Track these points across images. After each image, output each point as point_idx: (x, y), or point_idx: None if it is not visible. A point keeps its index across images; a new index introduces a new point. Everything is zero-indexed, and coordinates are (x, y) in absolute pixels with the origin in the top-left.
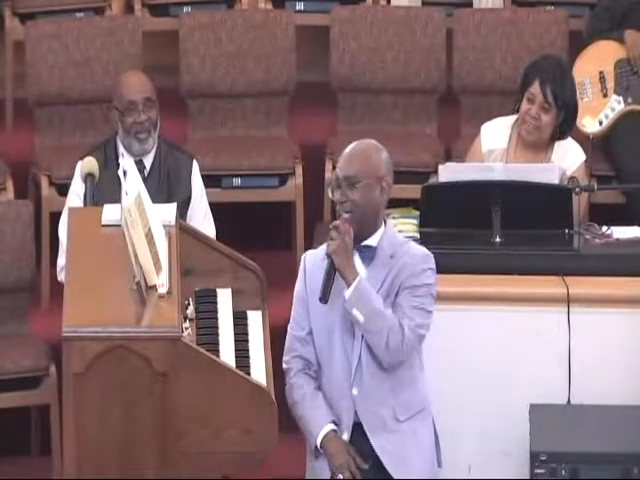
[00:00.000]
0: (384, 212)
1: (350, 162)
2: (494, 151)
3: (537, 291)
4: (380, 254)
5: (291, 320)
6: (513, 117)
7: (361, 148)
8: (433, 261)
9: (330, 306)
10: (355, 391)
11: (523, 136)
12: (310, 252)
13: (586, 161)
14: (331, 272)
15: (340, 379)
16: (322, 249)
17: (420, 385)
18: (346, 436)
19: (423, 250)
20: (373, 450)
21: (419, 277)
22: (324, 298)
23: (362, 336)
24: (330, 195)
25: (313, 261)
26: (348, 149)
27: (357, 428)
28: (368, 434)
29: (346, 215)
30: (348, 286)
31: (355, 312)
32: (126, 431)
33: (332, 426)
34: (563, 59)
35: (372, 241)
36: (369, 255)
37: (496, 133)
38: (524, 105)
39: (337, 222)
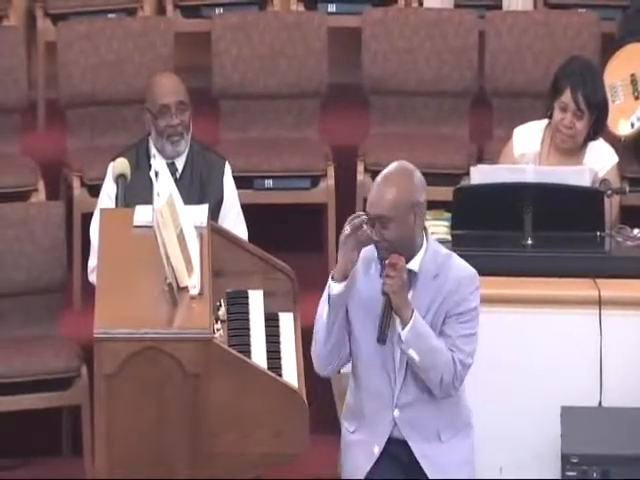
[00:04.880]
0: (423, 227)
1: (380, 200)
2: (526, 155)
3: (568, 293)
4: (423, 277)
5: None
6: (545, 121)
7: (390, 181)
8: (478, 279)
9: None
10: (397, 413)
11: (558, 144)
12: None
13: (618, 163)
14: (388, 311)
15: (380, 397)
16: (365, 249)
17: (463, 402)
18: (377, 450)
19: (468, 270)
20: (410, 461)
21: (466, 302)
22: (382, 338)
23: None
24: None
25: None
26: (378, 181)
27: (394, 443)
28: (411, 447)
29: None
30: (404, 325)
31: (411, 352)
32: (157, 432)
33: None
34: (591, 60)
35: (413, 264)
36: (411, 279)
37: (528, 137)
38: (557, 114)
39: (392, 259)
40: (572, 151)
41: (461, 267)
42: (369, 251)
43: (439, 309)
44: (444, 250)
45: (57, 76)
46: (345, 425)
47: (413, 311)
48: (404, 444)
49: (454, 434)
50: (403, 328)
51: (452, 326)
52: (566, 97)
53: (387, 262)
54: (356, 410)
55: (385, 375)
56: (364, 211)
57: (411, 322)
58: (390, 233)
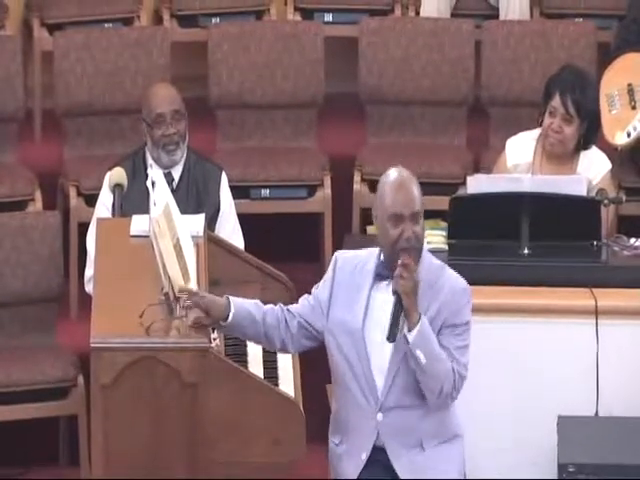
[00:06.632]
0: None
1: (411, 197)
2: (519, 165)
3: (565, 303)
4: (420, 286)
5: (299, 301)
6: (537, 131)
7: (407, 180)
8: (470, 293)
9: (353, 321)
10: (380, 417)
11: (548, 149)
12: (343, 255)
13: (611, 170)
14: (399, 312)
15: (365, 401)
16: (357, 254)
17: (450, 414)
18: (364, 456)
19: (461, 282)
20: (393, 470)
21: (460, 314)
22: (392, 337)
23: (399, 361)
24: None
25: (346, 269)
26: (397, 184)
27: (378, 450)
28: (390, 457)
29: (407, 248)
30: (411, 326)
31: (418, 353)
32: (155, 442)
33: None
34: (583, 68)
35: None
36: None
37: (521, 147)
38: (546, 119)
39: (405, 260)
40: (565, 160)
41: (454, 279)
42: (356, 258)
43: (435, 318)
44: (436, 261)
45: (54, 86)
46: (331, 439)
47: (421, 315)
48: (385, 459)
49: (439, 443)
50: (410, 330)
51: (448, 338)
52: (555, 101)
53: (400, 262)
54: (340, 421)
55: (370, 379)
56: (390, 214)
57: (419, 325)
58: (420, 228)
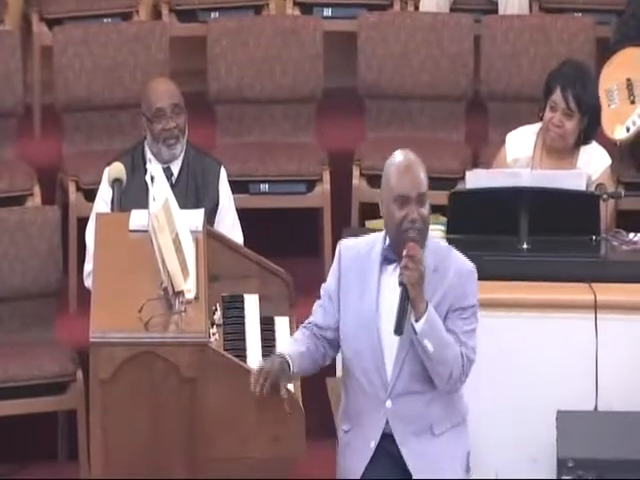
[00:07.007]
0: None
1: (418, 179)
2: (519, 160)
3: (564, 298)
4: (425, 271)
5: (313, 311)
6: (537, 125)
7: (413, 162)
8: (476, 273)
9: (366, 309)
10: (389, 404)
11: (548, 144)
12: (346, 243)
13: (611, 165)
14: (405, 302)
15: (373, 389)
16: (359, 241)
17: (458, 400)
18: (373, 444)
19: (467, 264)
20: (401, 457)
21: (467, 298)
22: (399, 329)
23: (407, 347)
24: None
25: (350, 255)
26: (403, 166)
27: (386, 437)
28: (399, 445)
29: (413, 235)
30: (418, 316)
31: (426, 342)
32: (154, 437)
33: (287, 357)
34: (583, 63)
35: None
36: None
37: (521, 142)
38: (547, 113)
39: (410, 250)
40: (565, 155)
41: (461, 261)
42: (359, 243)
43: (441, 302)
44: (443, 243)
45: (53, 81)
46: (340, 427)
47: (427, 303)
48: (393, 447)
49: (448, 428)
50: (417, 320)
51: (455, 322)
52: (556, 96)
53: (405, 253)
54: (350, 409)
55: (381, 366)
56: (396, 195)
57: (426, 314)
58: (426, 210)
